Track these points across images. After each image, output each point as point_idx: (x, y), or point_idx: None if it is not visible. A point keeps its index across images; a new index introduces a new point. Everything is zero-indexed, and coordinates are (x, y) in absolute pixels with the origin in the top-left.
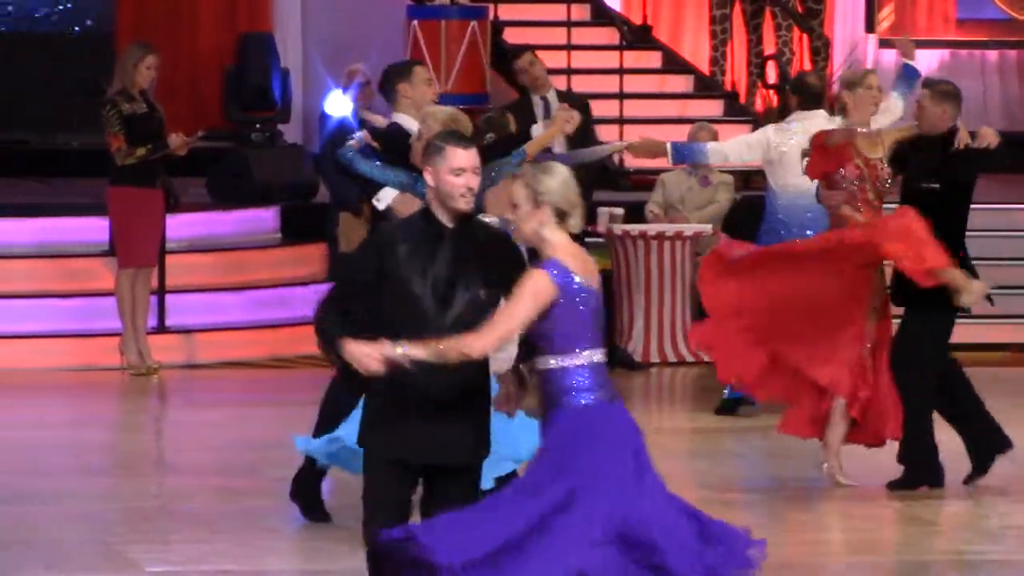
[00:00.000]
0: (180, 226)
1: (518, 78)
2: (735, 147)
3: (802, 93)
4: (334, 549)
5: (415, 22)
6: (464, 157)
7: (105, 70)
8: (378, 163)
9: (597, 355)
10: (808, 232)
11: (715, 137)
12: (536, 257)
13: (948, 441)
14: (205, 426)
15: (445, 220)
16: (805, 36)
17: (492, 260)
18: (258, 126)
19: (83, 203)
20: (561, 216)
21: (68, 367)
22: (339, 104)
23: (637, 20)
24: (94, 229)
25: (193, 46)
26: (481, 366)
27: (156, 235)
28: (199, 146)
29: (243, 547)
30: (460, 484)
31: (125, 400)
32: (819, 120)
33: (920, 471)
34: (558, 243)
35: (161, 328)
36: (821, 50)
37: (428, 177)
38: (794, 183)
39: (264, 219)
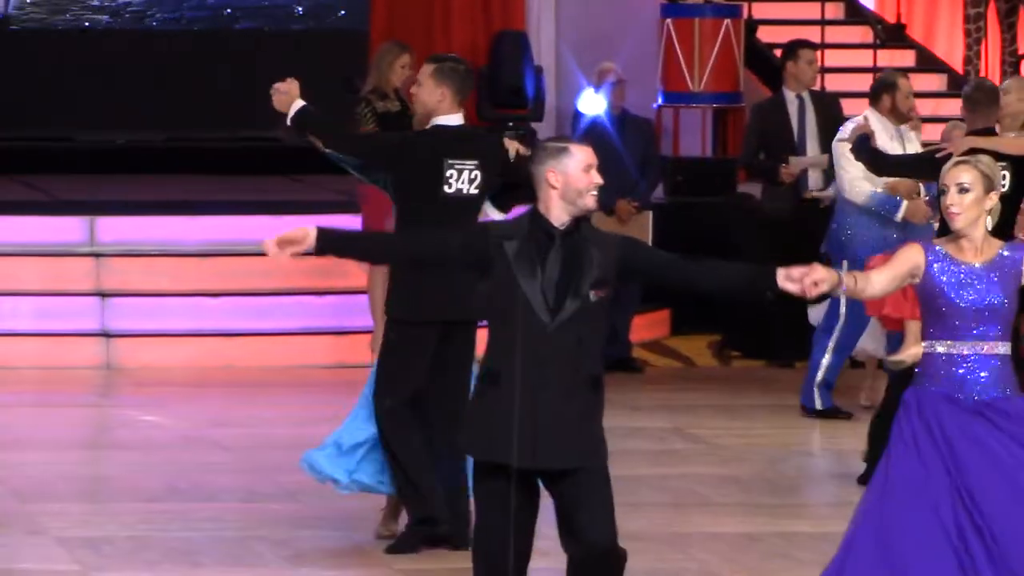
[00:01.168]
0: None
1: (788, 70)
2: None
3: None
4: None
5: (669, 20)
6: (591, 154)
7: (360, 68)
8: None
9: None
10: None
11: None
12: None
13: None
14: None
15: (557, 222)
16: None
17: (601, 261)
18: (511, 124)
19: (335, 200)
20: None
21: (322, 364)
22: (592, 103)
23: (891, 19)
24: (347, 226)
25: (447, 44)
26: (594, 362)
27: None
28: None
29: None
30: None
31: None
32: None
33: None
34: None
35: None
36: None
37: (552, 178)
38: None
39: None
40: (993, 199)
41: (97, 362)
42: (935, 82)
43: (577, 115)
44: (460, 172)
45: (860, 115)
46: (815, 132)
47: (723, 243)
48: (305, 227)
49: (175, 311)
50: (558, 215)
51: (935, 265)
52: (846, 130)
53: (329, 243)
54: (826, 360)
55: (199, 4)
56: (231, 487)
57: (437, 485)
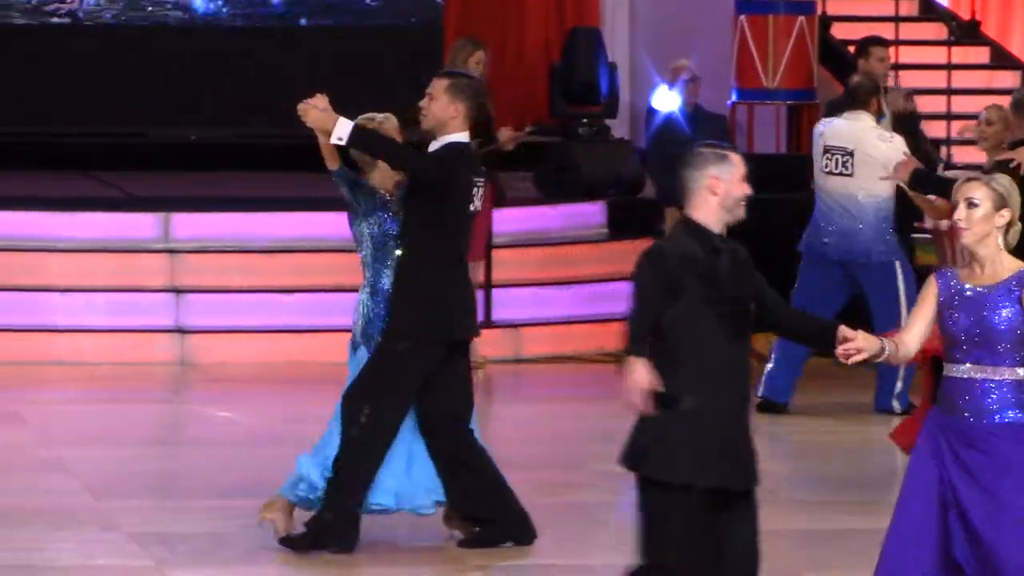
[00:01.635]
0: (506, 220)
1: (860, 67)
2: None
3: (848, 94)
4: None
5: (743, 17)
6: (744, 163)
7: (434, 65)
8: None
9: None
10: None
11: None
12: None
13: None
14: (532, 420)
15: (715, 231)
16: None
17: (750, 274)
18: (585, 121)
19: None
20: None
21: None
22: (666, 99)
23: (965, 15)
24: None
25: (521, 41)
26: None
27: (482, 229)
28: (526, 141)
29: (568, 542)
30: (750, 509)
31: None
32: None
33: None
34: None
35: (488, 323)
36: None
37: (715, 185)
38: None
39: (591, 214)
40: (1005, 216)
41: (171, 358)
42: (1009, 79)
43: (651, 112)
44: (478, 190)
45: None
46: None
47: (797, 239)
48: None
49: (249, 307)
50: (715, 224)
51: (942, 288)
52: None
53: None
54: (903, 371)
55: (270, 0)
56: None
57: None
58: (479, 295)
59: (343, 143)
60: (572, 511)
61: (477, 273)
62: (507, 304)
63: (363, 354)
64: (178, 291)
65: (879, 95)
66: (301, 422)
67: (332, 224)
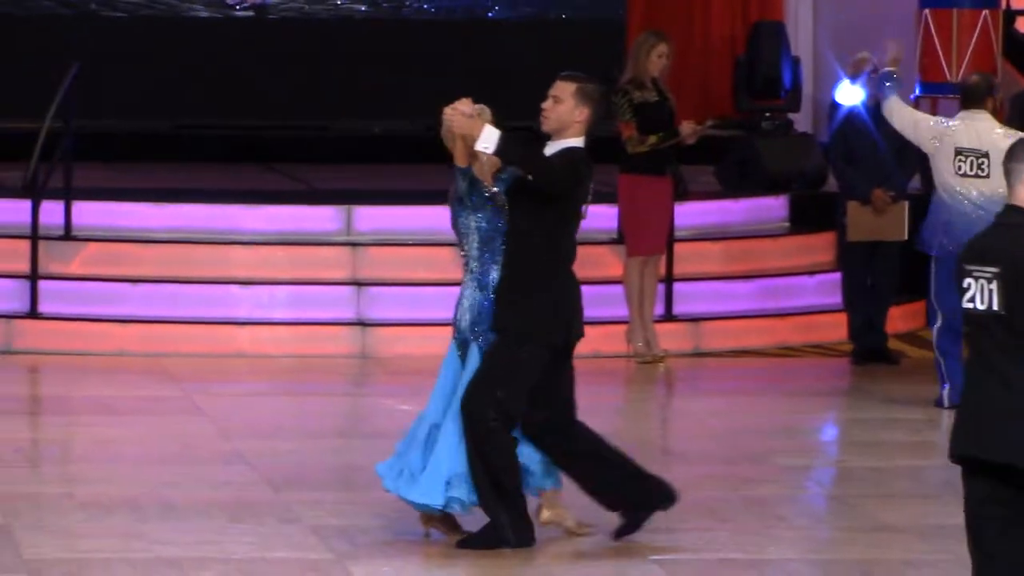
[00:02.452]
0: (689, 214)
1: None
2: (903, 116)
3: (963, 93)
4: (843, 538)
5: (927, 11)
6: None
7: (617, 58)
8: None
9: None
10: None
11: None
12: None
13: None
14: (712, 414)
15: None
16: None
17: None
18: (768, 115)
19: (593, 190)
20: None
21: (575, 354)
22: (850, 93)
23: None
24: (603, 216)
25: (705, 34)
26: None
27: (665, 223)
28: (709, 134)
29: (748, 535)
30: None
31: (631, 388)
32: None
33: None
34: None
35: (668, 316)
36: None
37: None
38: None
39: (773, 208)
40: None
41: (353, 351)
42: None
43: (834, 105)
44: (591, 196)
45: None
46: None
47: None
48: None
49: (430, 300)
50: None
51: None
52: None
53: None
54: None
55: None
56: None
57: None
58: (660, 288)
59: (489, 151)
60: (751, 505)
61: (659, 266)
62: (688, 298)
63: (474, 351)
64: (359, 284)
65: (993, 93)
66: None
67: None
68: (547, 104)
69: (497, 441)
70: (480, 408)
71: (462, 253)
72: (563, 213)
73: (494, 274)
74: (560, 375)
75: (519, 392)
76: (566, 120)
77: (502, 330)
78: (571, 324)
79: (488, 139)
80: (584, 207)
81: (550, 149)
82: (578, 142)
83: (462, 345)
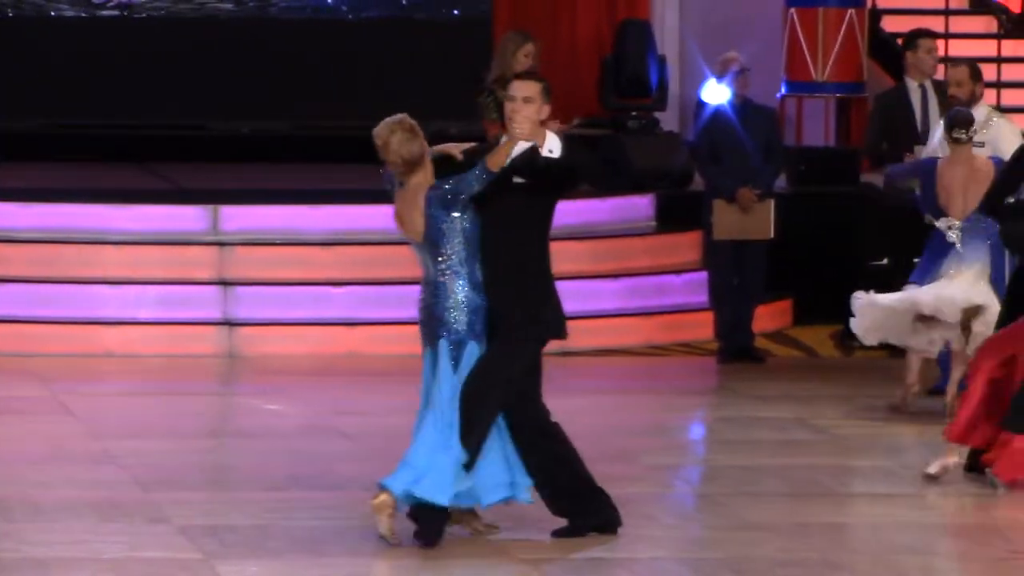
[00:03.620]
0: (557, 214)
1: (908, 59)
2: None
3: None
4: (713, 537)
5: (793, 10)
6: None
7: (483, 58)
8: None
9: None
10: None
11: None
12: None
13: None
14: (579, 413)
15: None
16: None
17: None
18: (635, 114)
19: None
20: None
21: None
22: (716, 92)
23: (1016, 8)
24: None
25: (571, 33)
26: None
27: None
28: (575, 133)
29: (617, 535)
30: None
31: None
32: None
33: None
34: None
35: None
36: None
37: None
38: None
39: (640, 206)
40: None
41: (220, 350)
42: None
43: (700, 104)
44: None
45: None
46: (938, 121)
47: (846, 233)
48: None
49: (298, 300)
50: None
51: None
52: None
53: None
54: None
55: None
56: (354, 475)
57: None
58: None
59: (554, 155)
60: (620, 504)
61: None
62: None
63: (473, 349)
64: (226, 283)
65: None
66: (349, 415)
67: (382, 217)
68: (518, 105)
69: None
70: (487, 400)
71: (441, 257)
72: (553, 206)
73: (479, 272)
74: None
75: (515, 384)
76: (536, 119)
77: (516, 328)
78: (563, 322)
79: (553, 144)
80: None
81: (518, 149)
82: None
83: (461, 345)
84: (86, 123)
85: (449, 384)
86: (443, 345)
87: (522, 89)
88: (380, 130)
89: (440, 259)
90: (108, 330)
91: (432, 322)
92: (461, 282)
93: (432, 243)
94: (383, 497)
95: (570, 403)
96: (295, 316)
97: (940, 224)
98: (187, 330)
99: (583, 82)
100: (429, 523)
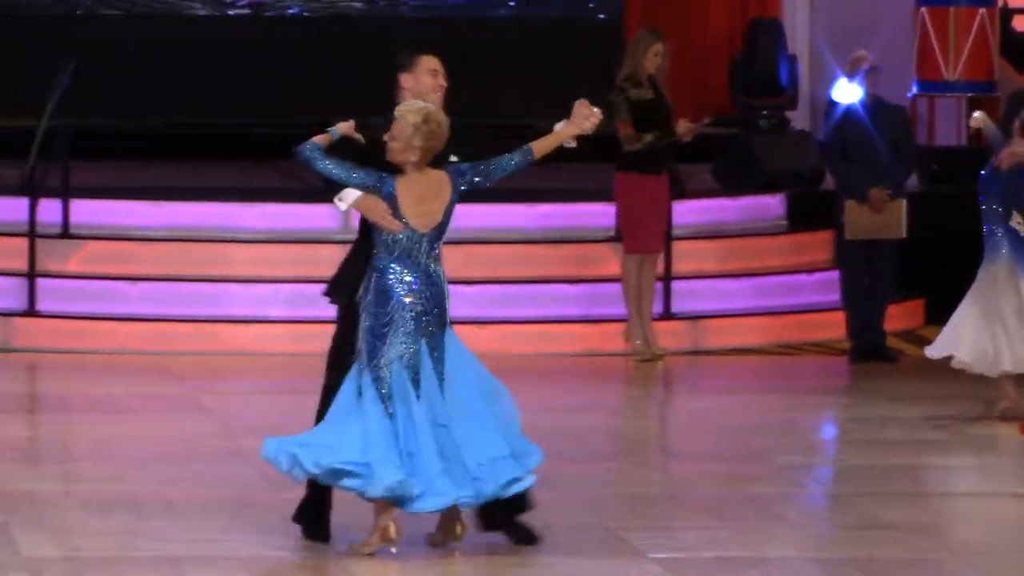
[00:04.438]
0: (686, 212)
1: None
2: None
3: None
4: (842, 536)
5: (923, 9)
6: None
7: (614, 56)
8: (337, 162)
9: None
10: None
11: None
12: None
13: None
14: (711, 412)
15: None
16: None
17: None
18: (765, 113)
19: (589, 188)
20: None
21: (572, 352)
22: (846, 91)
23: None
24: (600, 215)
25: (702, 32)
26: None
27: (661, 221)
28: (706, 133)
29: (747, 534)
30: None
31: (630, 386)
32: None
33: None
34: None
35: (667, 314)
36: None
37: None
38: None
39: (770, 206)
40: None
41: None
42: None
43: (831, 103)
44: None
45: None
46: None
47: (977, 233)
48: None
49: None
50: None
51: None
52: None
53: None
54: None
55: None
56: None
57: None
58: (658, 286)
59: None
60: (751, 503)
61: (657, 264)
62: (686, 296)
63: (452, 336)
64: None
65: None
66: None
67: (515, 216)
68: (441, 82)
69: None
70: None
71: (437, 245)
72: None
73: None
74: None
75: None
76: None
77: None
78: None
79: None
80: None
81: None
82: None
83: (447, 326)
84: (215, 121)
85: (472, 368)
86: (449, 333)
87: (438, 64)
88: (441, 115)
89: (436, 247)
90: (239, 328)
91: (439, 311)
92: (442, 271)
93: (440, 231)
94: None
95: (701, 402)
96: None
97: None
98: (317, 328)
99: (714, 81)
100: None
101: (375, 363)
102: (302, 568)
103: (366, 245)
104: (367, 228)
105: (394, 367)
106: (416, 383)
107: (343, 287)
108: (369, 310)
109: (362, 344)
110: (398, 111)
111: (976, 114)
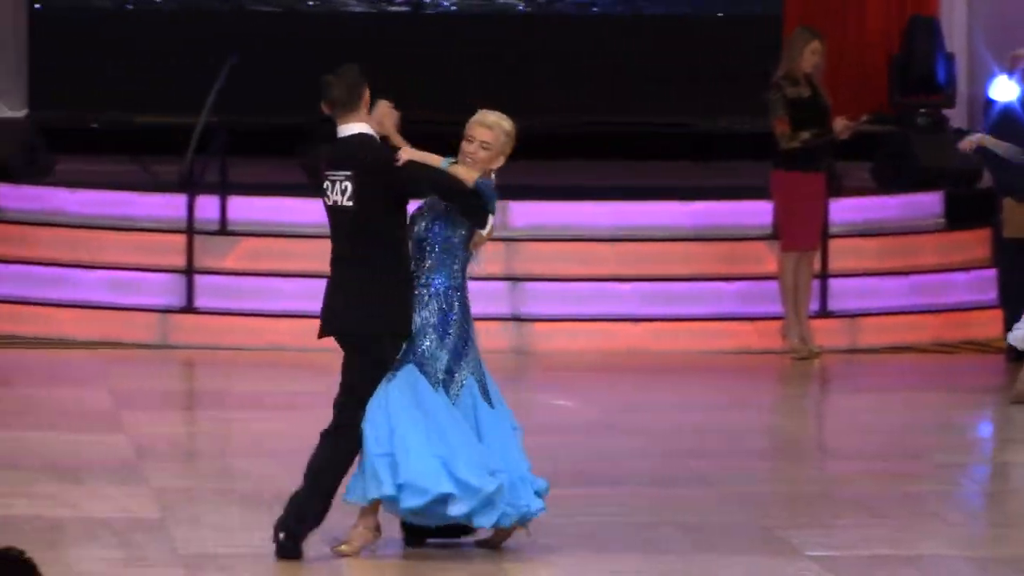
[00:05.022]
0: (843, 210)
1: None
2: None
3: None
4: (999, 535)
5: None
6: None
7: (772, 54)
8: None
9: None
10: None
11: None
12: None
13: None
14: (867, 411)
15: None
16: None
17: None
18: (923, 111)
19: (745, 186)
20: None
21: (727, 350)
22: (1005, 89)
23: None
24: (757, 212)
25: (859, 30)
26: None
27: (818, 219)
28: (863, 131)
29: (903, 532)
30: None
31: (786, 384)
32: None
33: None
34: None
35: (824, 312)
36: None
37: None
38: None
39: (928, 204)
40: None
41: (508, 346)
42: None
43: (989, 102)
44: (333, 183)
45: None
46: None
47: None
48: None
49: (586, 296)
50: None
51: None
52: None
53: None
54: None
55: None
56: (641, 472)
57: None
58: (815, 284)
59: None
60: (907, 502)
61: (813, 262)
62: (843, 294)
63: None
64: (514, 279)
65: None
66: (636, 411)
67: (669, 213)
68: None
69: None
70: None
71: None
72: None
73: None
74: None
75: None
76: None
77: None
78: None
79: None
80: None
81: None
82: (343, 130)
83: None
84: None
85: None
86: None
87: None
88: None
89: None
90: None
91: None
92: None
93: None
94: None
95: (857, 400)
96: (583, 312)
97: None
98: (477, 326)
99: (871, 79)
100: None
101: (455, 381)
102: (460, 564)
103: (374, 272)
104: (406, 251)
105: (468, 382)
106: (486, 394)
107: (406, 319)
108: (450, 330)
109: (436, 364)
110: (489, 120)
111: (973, 136)
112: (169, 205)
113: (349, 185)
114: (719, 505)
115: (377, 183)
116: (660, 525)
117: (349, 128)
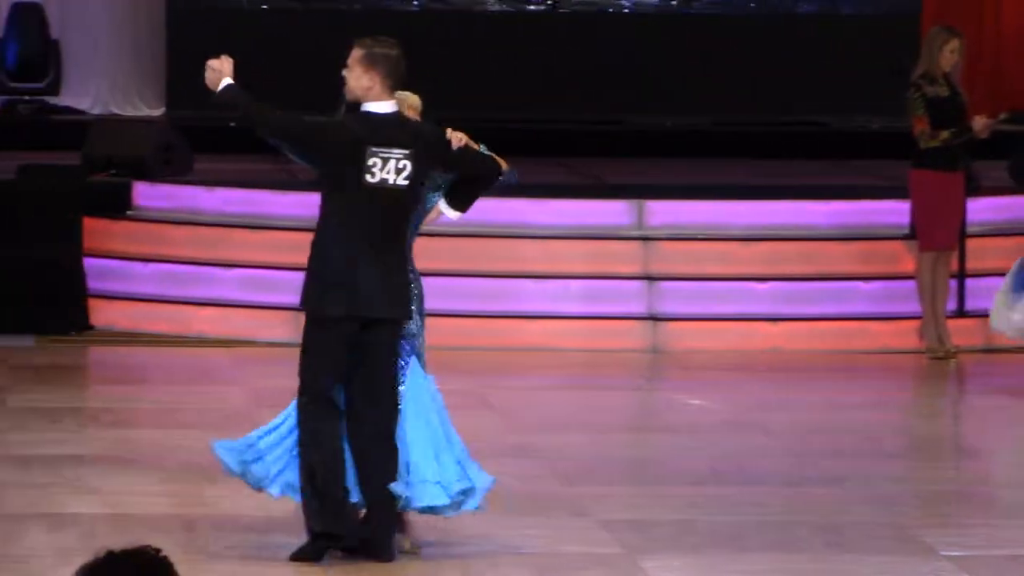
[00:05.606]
0: (981, 210)
1: None
2: None
3: None
4: None
5: None
6: None
7: (910, 53)
8: None
9: None
10: None
11: None
12: None
13: None
14: (1003, 411)
15: None
16: None
17: None
18: (1002, 117)
19: (884, 185)
20: None
21: (865, 349)
22: None
23: None
24: (895, 212)
25: (997, 28)
26: None
27: (957, 218)
28: (1001, 129)
29: None
30: None
31: (922, 384)
32: None
33: None
34: None
35: (961, 312)
36: None
37: None
38: None
39: None
40: None
41: (644, 345)
42: None
43: None
44: (385, 161)
45: None
46: None
47: None
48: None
49: (722, 295)
50: None
51: None
52: None
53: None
54: None
55: None
56: (775, 471)
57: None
58: (952, 284)
59: (215, 102)
60: None
61: (951, 262)
62: (980, 293)
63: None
64: (651, 278)
65: None
66: (771, 411)
67: (804, 213)
68: (344, 72)
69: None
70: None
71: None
72: (330, 184)
73: None
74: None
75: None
76: (356, 88)
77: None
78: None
79: (219, 88)
80: (371, 176)
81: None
82: (379, 107)
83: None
84: (506, 117)
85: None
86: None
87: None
88: None
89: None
90: (531, 324)
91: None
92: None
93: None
94: None
95: (994, 401)
96: (719, 311)
97: None
98: (611, 325)
99: (1010, 76)
100: None
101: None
102: (592, 564)
103: (400, 257)
104: (405, 235)
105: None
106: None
107: (407, 302)
108: (419, 314)
109: (421, 351)
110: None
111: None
112: (305, 204)
113: (408, 164)
114: (854, 505)
115: (435, 163)
116: (794, 525)
117: (384, 105)
